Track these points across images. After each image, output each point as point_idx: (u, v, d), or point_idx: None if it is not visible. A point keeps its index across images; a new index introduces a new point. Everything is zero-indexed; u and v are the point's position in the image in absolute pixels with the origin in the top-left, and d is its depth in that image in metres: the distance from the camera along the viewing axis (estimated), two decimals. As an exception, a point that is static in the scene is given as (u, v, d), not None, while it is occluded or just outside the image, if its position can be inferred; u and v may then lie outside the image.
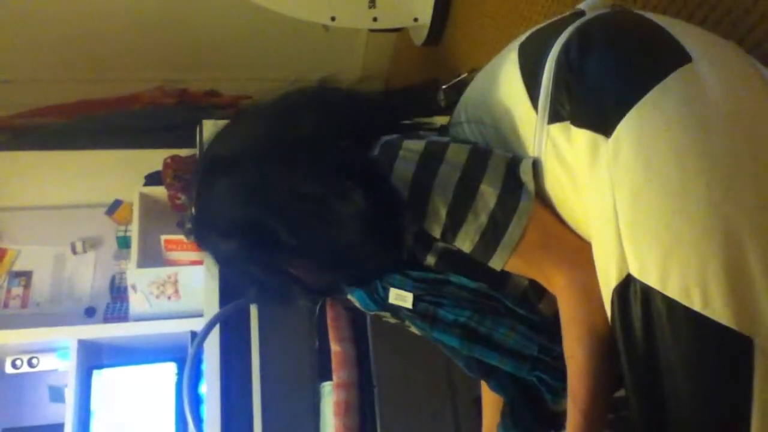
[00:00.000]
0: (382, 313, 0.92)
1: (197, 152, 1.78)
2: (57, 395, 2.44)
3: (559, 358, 0.76)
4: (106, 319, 2.56)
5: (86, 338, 2.33)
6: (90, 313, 2.70)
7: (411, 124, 0.95)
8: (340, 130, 0.84)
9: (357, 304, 0.93)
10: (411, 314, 0.86)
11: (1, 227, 2.83)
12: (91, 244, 2.86)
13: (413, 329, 0.90)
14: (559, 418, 0.82)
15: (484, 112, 0.86)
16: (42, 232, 2.84)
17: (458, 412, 1.45)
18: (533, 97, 0.76)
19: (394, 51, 3.70)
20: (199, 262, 2.29)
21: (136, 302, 2.38)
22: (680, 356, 0.61)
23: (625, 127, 0.64)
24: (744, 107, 0.65)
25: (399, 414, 1.44)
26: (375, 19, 2.57)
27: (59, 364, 2.40)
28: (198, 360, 1.84)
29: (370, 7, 2.54)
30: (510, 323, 0.82)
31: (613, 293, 0.65)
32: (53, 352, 2.41)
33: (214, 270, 0.89)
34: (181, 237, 2.51)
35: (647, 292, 0.62)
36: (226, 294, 1.68)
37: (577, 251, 0.74)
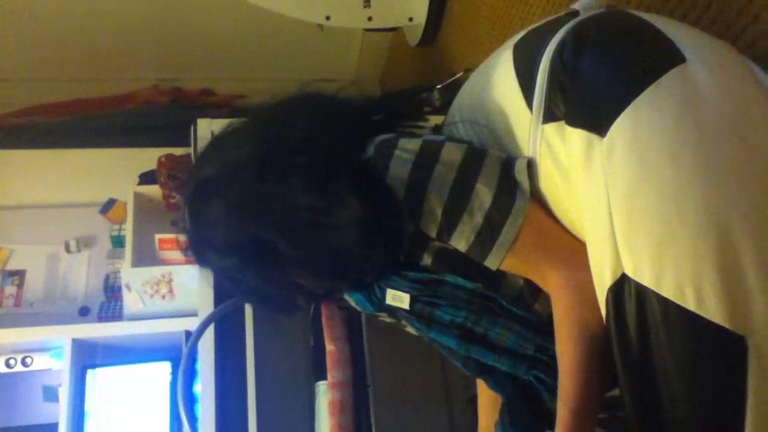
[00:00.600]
0: (379, 314, 0.92)
1: (192, 151, 1.77)
2: (51, 395, 2.43)
3: (556, 357, 0.76)
4: (100, 319, 2.55)
5: (80, 337, 2.33)
6: (84, 313, 2.69)
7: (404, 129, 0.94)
8: (331, 138, 0.83)
9: (354, 306, 0.93)
10: (408, 315, 0.86)
11: (-6, 226, 2.82)
12: (85, 243, 2.85)
13: (410, 329, 0.90)
14: (558, 418, 0.82)
15: (479, 111, 0.86)
16: (35, 231, 2.83)
17: (453, 411, 1.45)
18: (528, 97, 0.76)
19: (389, 51, 3.70)
20: (194, 262, 2.28)
21: (131, 301, 2.38)
22: (674, 355, 0.61)
23: (619, 127, 0.65)
24: (738, 107, 0.65)
25: (394, 413, 1.44)
26: (370, 19, 2.57)
27: (53, 364, 2.40)
28: (192, 359, 1.83)
29: (365, 7, 2.54)
30: (506, 323, 0.82)
31: (607, 293, 0.66)
32: (47, 352, 2.40)
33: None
34: (175, 236, 2.50)
35: (642, 291, 0.62)
36: (220, 293, 1.67)
37: (572, 251, 0.74)
